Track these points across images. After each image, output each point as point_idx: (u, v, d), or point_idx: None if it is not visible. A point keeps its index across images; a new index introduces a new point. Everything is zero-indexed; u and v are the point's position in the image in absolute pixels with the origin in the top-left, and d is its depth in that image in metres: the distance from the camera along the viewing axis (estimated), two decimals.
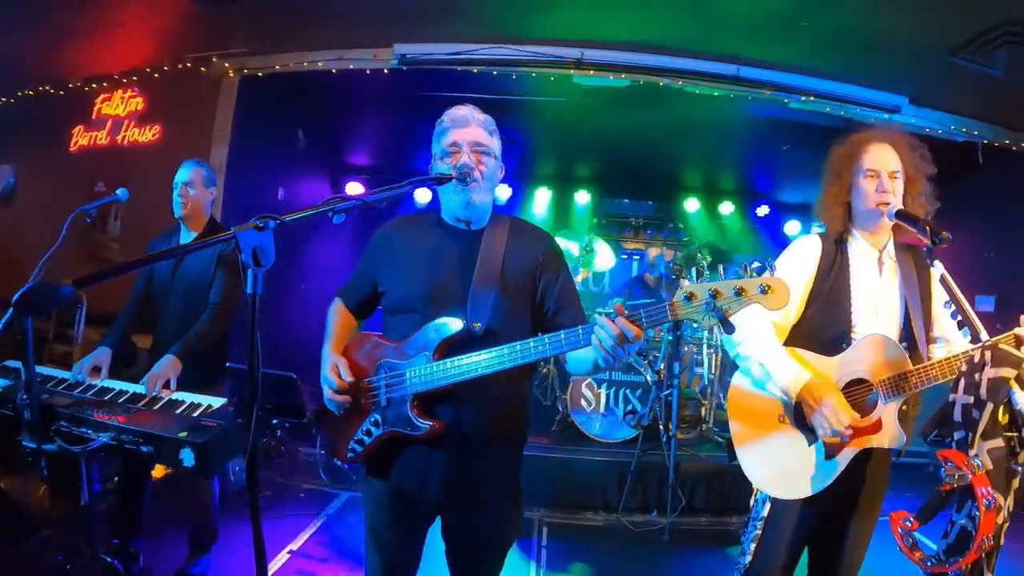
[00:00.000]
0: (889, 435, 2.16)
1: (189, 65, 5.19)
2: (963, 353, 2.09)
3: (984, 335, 2.00)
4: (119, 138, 5.95)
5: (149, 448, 2.26)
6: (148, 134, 5.78)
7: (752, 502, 2.47)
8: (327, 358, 2.06)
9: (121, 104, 6.00)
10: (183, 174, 3.29)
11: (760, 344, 2.22)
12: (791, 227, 9.28)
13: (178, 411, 2.47)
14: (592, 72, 4.95)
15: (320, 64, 5.09)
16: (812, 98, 5.35)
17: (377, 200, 1.80)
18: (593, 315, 2.00)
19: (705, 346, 6.34)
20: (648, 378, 5.45)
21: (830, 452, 2.15)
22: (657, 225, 9.23)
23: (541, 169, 8.42)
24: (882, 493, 2.39)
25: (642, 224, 9.14)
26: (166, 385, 2.82)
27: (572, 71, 4.93)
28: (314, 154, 7.04)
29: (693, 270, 6.15)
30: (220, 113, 5.22)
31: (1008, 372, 2.06)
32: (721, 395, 6.16)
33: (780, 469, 2.25)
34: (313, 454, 5.17)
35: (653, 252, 7.19)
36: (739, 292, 1.60)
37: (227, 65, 5.17)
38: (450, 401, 1.93)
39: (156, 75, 5.46)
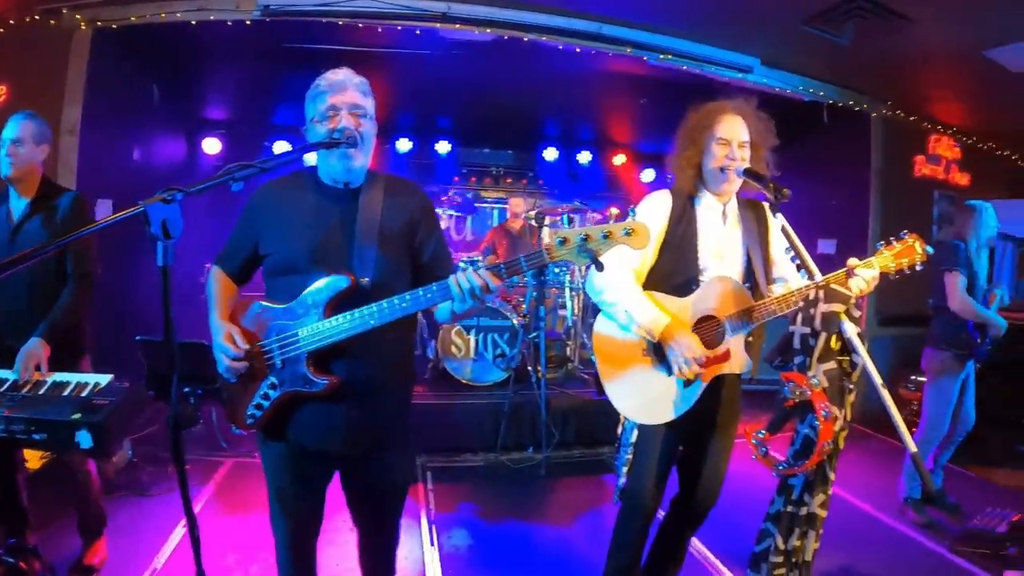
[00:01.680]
0: (738, 362, 2.45)
1: (38, 17, 4.72)
2: (797, 290, 2.40)
3: (818, 276, 2.33)
4: None
5: (42, 435, 2.18)
6: None
7: (620, 430, 2.74)
8: (218, 327, 2.06)
9: None
10: (10, 130, 2.93)
11: (622, 291, 2.43)
12: (647, 175, 9.71)
13: (65, 393, 2.36)
14: (458, 26, 4.95)
15: (179, 15, 4.79)
16: (671, 56, 5.59)
17: (273, 166, 1.81)
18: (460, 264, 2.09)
19: (568, 289, 6.59)
20: (515, 322, 5.68)
21: (688, 380, 2.40)
22: (517, 174, 9.37)
23: (403, 120, 8.32)
24: (737, 412, 2.68)
25: (502, 173, 9.27)
26: (36, 368, 2.66)
27: (438, 25, 4.91)
28: (170, 111, 6.68)
29: (563, 217, 6.43)
30: (72, 70, 4.80)
31: (838, 307, 2.46)
32: (585, 335, 6.48)
33: (645, 399, 2.49)
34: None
35: (519, 201, 7.34)
36: (607, 235, 1.78)
37: (79, 17, 4.76)
38: (343, 356, 1.99)
39: (1, 29, 5.03)
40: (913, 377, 6.37)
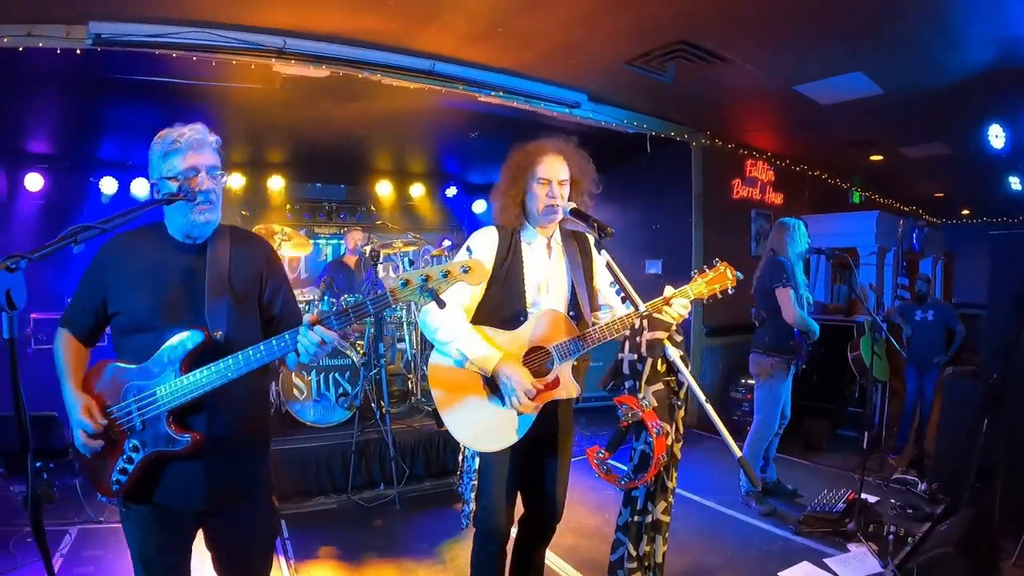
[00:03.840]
0: (567, 388, 2.59)
1: None
2: (621, 318, 2.57)
3: (642, 307, 2.49)
4: None
5: None
6: None
7: (461, 459, 2.81)
8: (73, 400, 1.96)
9: None
10: None
11: (454, 329, 2.50)
12: (478, 206, 9.92)
13: None
14: (293, 62, 4.86)
15: (6, 40, 4.35)
16: (502, 93, 5.75)
17: (114, 225, 1.78)
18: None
19: (405, 323, 6.63)
20: (355, 359, 5.64)
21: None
22: (350, 208, 9.33)
23: (233, 155, 8.04)
24: (570, 432, 2.83)
25: (335, 208, 9.20)
26: None
27: (273, 59, 4.80)
28: None
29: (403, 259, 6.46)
30: None
31: (661, 334, 2.68)
32: (424, 368, 6.49)
33: (483, 428, 2.57)
34: (21, 492, 4.51)
35: (356, 236, 7.31)
36: (446, 274, 1.86)
37: None
38: (201, 410, 1.98)
39: None
40: (743, 380, 6.92)
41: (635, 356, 2.84)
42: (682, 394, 2.83)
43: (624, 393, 2.86)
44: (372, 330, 5.70)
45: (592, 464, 2.87)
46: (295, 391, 5.49)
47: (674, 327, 2.61)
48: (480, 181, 9.87)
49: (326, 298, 6.30)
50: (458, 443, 2.71)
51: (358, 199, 9.37)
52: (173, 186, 1.99)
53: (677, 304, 2.58)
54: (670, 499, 2.87)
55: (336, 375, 5.62)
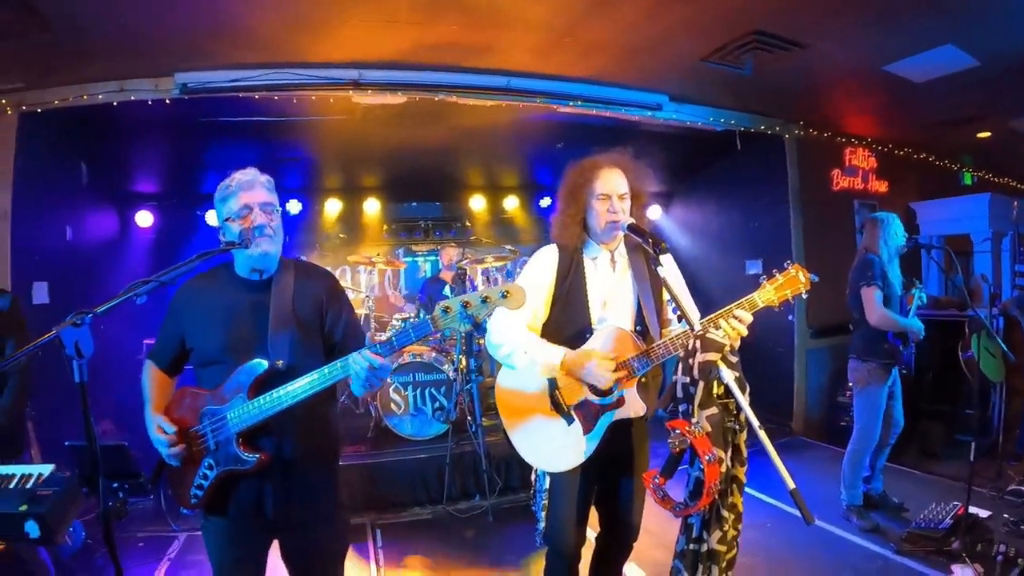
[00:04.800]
0: (633, 407, 2.57)
1: None
2: (683, 333, 2.50)
3: (698, 326, 2.41)
4: None
5: None
6: None
7: (534, 478, 2.85)
8: (150, 420, 2.22)
9: None
10: None
11: (518, 338, 2.55)
12: None
13: (11, 485, 2.37)
14: (370, 92, 5.05)
15: (101, 97, 4.86)
16: (580, 102, 5.73)
17: (171, 278, 1.97)
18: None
19: None
20: (450, 374, 5.76)
21: (587, 428, 2.55)
22: (446, 225, 9.39)
23: (328, 182, 8.45)
24: (644, 451, 2.80)
25: (431, 226, 9.29)
26: None
27: (351, 91, 5.01)
28: (100, 188, 6.71)
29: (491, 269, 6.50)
30: (1, 154, 4.81)
31: (713, 356, 2.57)
32: None
33: (549, 448, 2.61)
34: (144, 502, 5.07)
35: (450, 252, 7.46)
36: (485, 299, 1.95)
37: (4, 102, 4.78)
38: (270, 432, 2.17)
39: None
40: (850, 384, 6.55)
41: (687, 379, 2.76)
42: (741, 417, 2.69)
43: (678, 417, 2.79)
44: (464, 344, 5.80)
45: (648, 488, 2.81)
46: (393, 405, 5.69)
47: (727, 348, 2.51)
48: None
49: (422, 314, 6.44)
50: None
51: (453, 215, 9.50)
52: (233, 227, 2.19)
53: (734, 321, 2.45)
54: (728, 529, 2.76)
55: (432, 390, 5.76)
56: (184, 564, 4.34)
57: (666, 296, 2.71)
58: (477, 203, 9.27)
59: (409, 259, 9.27)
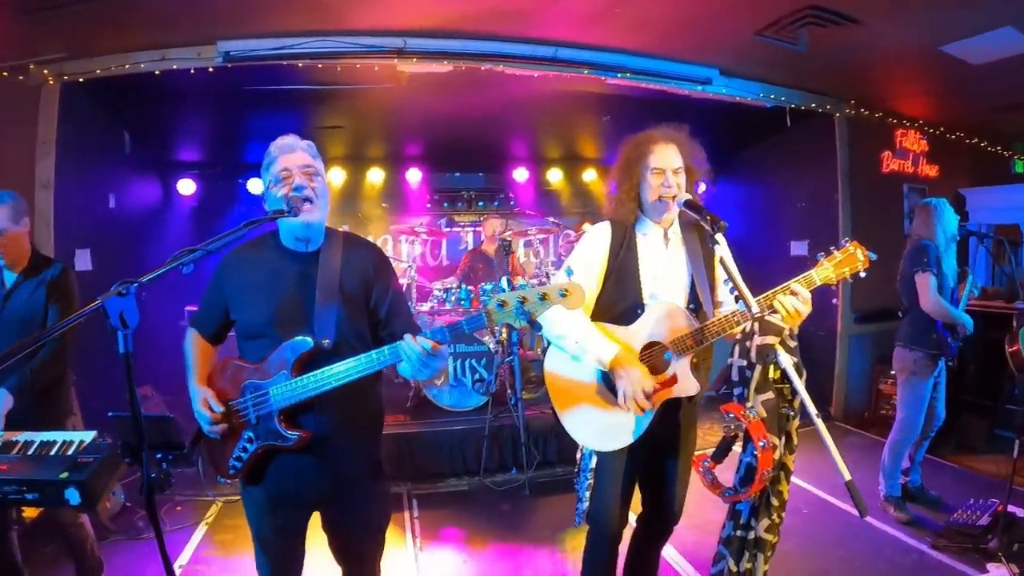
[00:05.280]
0: (686, 386, 2.50)
1: (5, 74, 4.74)
2: (739, 312, 2.41)
3: (755, 308, 2.33)
4: None
5: (33, 495, 2.23)
6: None
7: (579, 456, 2.81)
8: (194, 392, 2.19)
9: None
10: None
11: (571, 322, 2.49)
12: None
13: (52, 452, 2.38)
14: (415, 60, 4.99)
15: (143, 66, 4.85)
16: (628, 74, 5.62)
17: (218, 247, 1.90)
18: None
19: None
20: (491, 346, 5.77)
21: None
22: (489, 196, 9.37)
23: (371, 151, 8.43)
24: (692, 434, 2.76)
25: (474, 196, 9.28)
26: None
27: (395, 60, 4.95)
28: (142, 156, 6.77)
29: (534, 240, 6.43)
30: (42, 124, 4.85)
31: (772, 339, 2.51)
32: None
33: (599, 427, 2.56)
34: (184, 469, 5.10)
35: (493, 223, 7.41)
36: (543, 297, 1.88)
37: (46, 72, 4.80)
38: (312, 411, 2.11)
39: None
40: (893, 372, 6.42)
41: (744, 362, 2.68)
42: (796, 403, 2.64)
43: (732, 400, 2.72)
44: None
45: (697, 473, 2.74)
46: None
47: (787, 331, 2.45)
48: None
49: (462, 286, 6.46)
50: None
51: (496, 186, 9.45)
52: (275, 193, 2.15)
53: (794, 299, 2.37)
54: (775, 517, 2.73)
55: (472, 361, 5.77)
56: (222, 528, 4.43)
57: (721, 276, 2.64)
58: (521, 174, 9.20)
59: (451, 230, 9.27)
